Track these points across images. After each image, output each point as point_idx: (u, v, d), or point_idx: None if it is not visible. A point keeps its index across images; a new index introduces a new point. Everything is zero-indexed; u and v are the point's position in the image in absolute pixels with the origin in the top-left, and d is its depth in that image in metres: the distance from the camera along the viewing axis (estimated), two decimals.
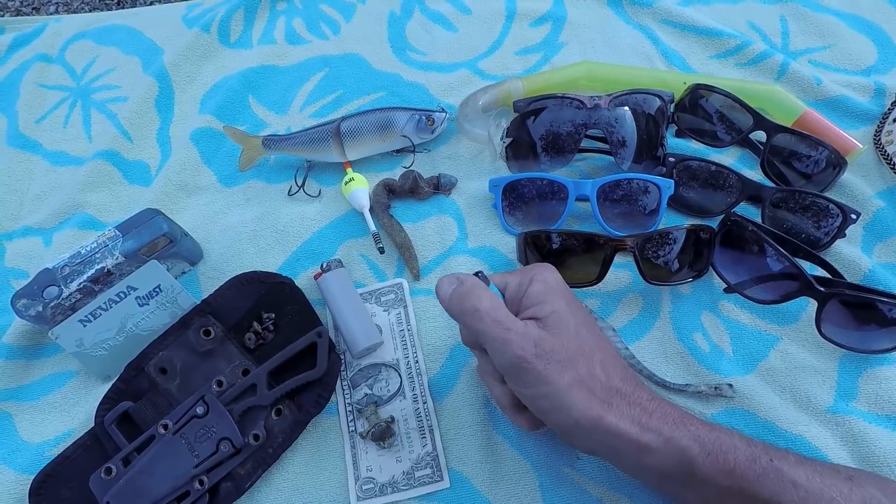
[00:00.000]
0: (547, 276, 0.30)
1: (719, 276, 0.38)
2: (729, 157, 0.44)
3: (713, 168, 0.41)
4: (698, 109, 0.44)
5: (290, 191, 0.45)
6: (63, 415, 0.38)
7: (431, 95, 0.48)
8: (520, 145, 0.43)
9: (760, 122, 0.41)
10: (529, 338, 0.27)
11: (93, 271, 0.37)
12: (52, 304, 0.37)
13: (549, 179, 0.40)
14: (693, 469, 0.26)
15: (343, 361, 0.38)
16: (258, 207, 0.44)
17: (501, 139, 0.43)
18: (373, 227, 0.41)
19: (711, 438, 0.26)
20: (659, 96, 0.43)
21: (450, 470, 0.34)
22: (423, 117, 0.44)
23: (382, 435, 0.35)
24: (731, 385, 0.35)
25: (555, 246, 0.38)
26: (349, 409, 0.36)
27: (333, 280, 0.38)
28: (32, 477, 0.35)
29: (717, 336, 0.37)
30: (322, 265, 0.39)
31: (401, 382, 0.37)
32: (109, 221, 0.45)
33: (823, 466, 0.26)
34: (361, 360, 0.38)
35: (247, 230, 0.43)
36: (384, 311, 0.39)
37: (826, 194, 0.39)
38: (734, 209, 0.40)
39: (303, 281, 0.40)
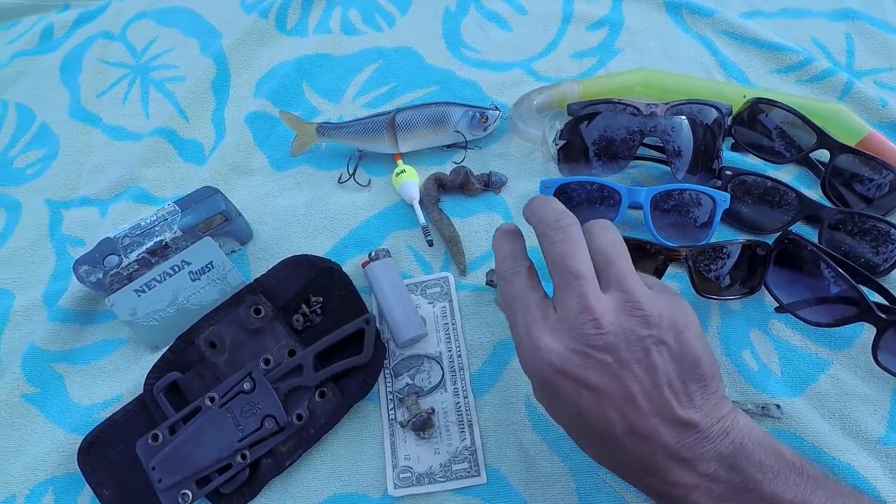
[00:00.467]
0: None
1: (772, 294, 0.37)
2: (785, 175, 0.43)
3: (770, 184, 0.40)
4: (757, 124, 0.43)
5: (340, 178, 0.45)
6: (112, 380, 0.39)
7: (484, 93, 0.48)
8: (572, 148, 0.43)
9: (825, 140, 0.40)
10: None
11: (151, 243, 0.38)
12: (112, 272, 0.38)
13: (603, 184, 0.40)
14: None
15: (387, 350, 0.38)
16: (308, 193, 0.45)
17: (554, 141, 0.43)
18: (422, 219, 0.41)
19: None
20: (717, 108, 0.43)
21: (487, 466, 0.34)
22: (478, 114, 0.44)
23: (423, 425, 0.35)
24: (779, 406, 0.34)
25: None
26: (390, 397, 0.37)
27: (381, 269, 0.39)
28: (80, 437, 0.36)
29: (765, 355, 0.36)
30: (370, 254, 0.40)
31: (443, 375, 0.37)
32: (163, 196, 0.46)
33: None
34: (405, 350, 0.38)
35: (296, 214, 0.44)
36: (429, 303, 0.39)
37: (888, 219, 0.38)
38: (789, 228, 0.39)
39: (350, 268, 0.41)
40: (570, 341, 0.24)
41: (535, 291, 0.27)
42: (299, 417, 0.35)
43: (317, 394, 0.36)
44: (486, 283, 0.39)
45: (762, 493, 0.24)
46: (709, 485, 0.24)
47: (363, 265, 0.40)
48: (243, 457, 0.35)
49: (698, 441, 0.24)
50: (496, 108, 0.45)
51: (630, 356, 0.24)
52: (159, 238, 0.38)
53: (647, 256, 0.36)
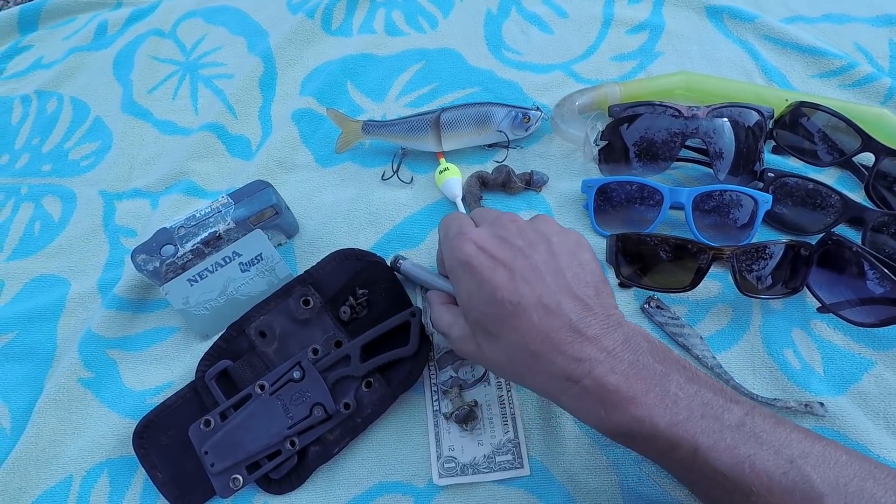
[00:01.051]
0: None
1: (814, 295, 0.37)
2: (827, 179, 0.43)
3: (812, 186, 0.40)
4: (799, 127, 0.43)
5: (383, 175, 0.46)
6: (163, 367, 0.41)
7: (525, 94, 0.49)
8: (613, 149, 0.44)
9: (869, 143, 0.40)
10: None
11: (206, 234, 0.40)
12: (168, 261, 0.39)
13: (644, 184, 0.41)
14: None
15: (432, 343, 0.39)
16: (352, 189, 0.46)
17: (595, 142, 0.43)
18: None
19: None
20: (758, 111, 0.43)
21: (530, 458, 0.35)
22: (520, 114, 0.45)
23: (466, 418, 0.36)
24: (822, 404, 0.34)
25: (647, 250, 0.38)
26: (434, 388, 0.38)
27: (412, 265, 0.40)
28: (133, 421, 0.37)
29: (807, 354, 0.36)
30: (393, 262, 0.40)
31: (486, 369, 0.38)
32: (212, 190, 0.48)
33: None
34: (447, 344, 0.39)
35: (341, 209, 0.45)
36: None
37: None
38: (833, 230, 0.40)
39: None
40: (490, 230, 0.30)
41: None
42: (347, 406, 0.36)
43: (363, 384, 0.37)
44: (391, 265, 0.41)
45: (656, 371, 0.26)
46: (610, 360, 0.26)
47: (394, 266, 0.40)
48: (292, 443, 0.36)
49: (596, 320, 0.27)
50: (538, 109, 0.46)
51: (537, 242, 0.29)
52: (213, 229, 0.40)
53: (690, 255, 0.37)
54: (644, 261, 0.39)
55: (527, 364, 0.28)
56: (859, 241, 0.39)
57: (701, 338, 0.37)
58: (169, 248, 0.39)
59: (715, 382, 0.27)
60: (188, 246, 0.39)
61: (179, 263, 0.40)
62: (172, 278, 0.40)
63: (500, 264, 0.28)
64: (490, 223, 0.31)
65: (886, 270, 0.34)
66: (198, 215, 0.40)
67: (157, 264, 0.39)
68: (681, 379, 0.26)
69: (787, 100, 0.44)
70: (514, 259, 0.29)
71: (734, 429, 0.25)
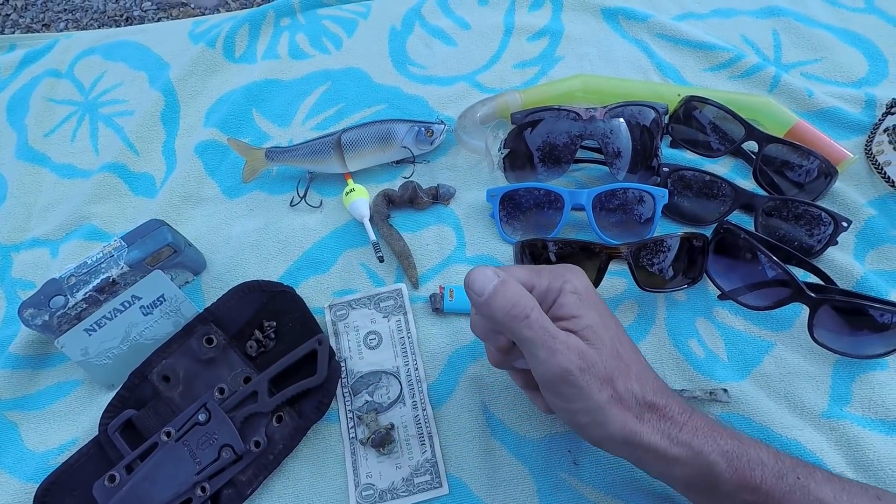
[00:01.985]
0: (577, 284, 0.28)
1: (713, 283, 0.38)
2: (722, 168, 0.45)
3: (706, 178, 0.41)
4: (692, 121, 0.45)
5: (292, 201, 0.46)
6: (67, 424, 0.39)
7: (431, 108, 0.49)
8: (517, 156, 0.44)
9: (751, 132, 0.42)
10: (574, 350, 0.26)
11: (98, 281, 0.38)
12: (59, 313, 0.37)
13: (546, 189, 0.41)
14: (718, 483, 0.26)
15: (344, 368, 0.38)
16: (261, 218, 0.45)
17: (499, 150, 0.44)
18: (373, 236, 0.41)
19: (739, 453, 0.26)
20: (653, 108, 0.44)
21: (449, 476, 0.34)
22: (423, 129, 0.45)
23: (382, 441, 0.35)
24: (726, 390, 0.35)
25: (551, 254, 0.39)
26: (350, 415, 0.37)
27: (459, 297, 0.39)
28: (37, 486, 0.35)
29: (711, 342, 0.37)
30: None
31: (401, 389, 0.37)
32: (115, 232, 0.46)
33: (851, 485, 0.27)
34: (362, 367, 0.38)
35: (249, 240, 0.44)
36: (384, 317, 0.40)
37: (818, 203, 0.39)
38: (727, 217, 0.41)
39: (304, 290, 0.41)
40: (607, 388, 0.26)
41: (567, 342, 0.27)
42: (257, 444, 0.35)
43: (274, 419, 0.36)
44: (434, 310, 0.39)
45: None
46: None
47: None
48: (203, 489, 0.34)
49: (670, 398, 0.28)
50: (441, 122, 0.46)
51: (622, 348, 0.28)
52: (106, 275, 0.38)
53: (590, 256, 0.37)
54: (549, 265, 0.39)
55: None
56: (752, 227, 0.40)
57: None
58: (59, 300, 0.38)
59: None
60: (80, 295, 0.38)
61: (73, 314, 0.38)
62: (67, 330, 0.38)
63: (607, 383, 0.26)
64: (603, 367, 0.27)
65: (770, 254, 0.35)
66: (89, 262, 0.39)
67: (47, 317, 0.37)
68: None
69: (679, 94, 0.45)
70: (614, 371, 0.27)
71: None
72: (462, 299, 0.39)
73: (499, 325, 0.27)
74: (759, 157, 0.42)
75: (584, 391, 0.26)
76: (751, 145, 0.43)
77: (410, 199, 0.43)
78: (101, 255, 0.39)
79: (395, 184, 0.45)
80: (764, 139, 0.41)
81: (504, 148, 0.44)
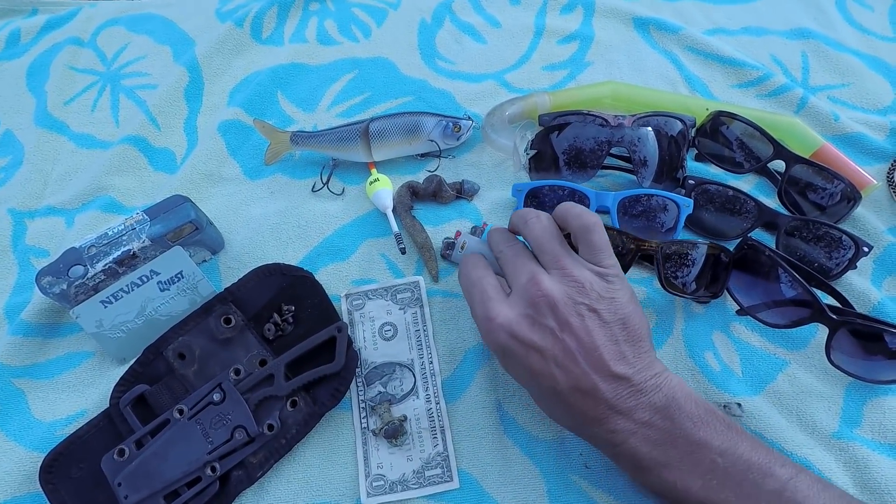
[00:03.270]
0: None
1: (733, 297, 0.38)
2: (746, 185, 0.45)
3: (731, 193, 0.42)
4: (719, 136, 0.45)
5: (314, 187, 0.45)
6: (76, 395, 0.38)
7: (458, 104, 0.49)
8: (543, 158, 0.44)
9: (780, 151, 0.42)
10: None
11: (119, 253, 0.38)
12: (77, 283, 0.37)
13: (572, 188, 0.41)
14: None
15: (359, 358, 0.38)
16: (282, 201, 0.45)
17: (525, 151, 0.44)
18: (395, 227, 0.41)
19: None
20: (681, 120, 0.44)
21: (459, 471, 0.35)
22: (450, 124, 0.45)
23: (395, 433, 0.35)
24: (740, 404, 0.35)
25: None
26: (362, 405, 0.37)
27: (470, 249, 0.39)
28: (43, 455, 0.35)
29: (727, 356, 0.37)
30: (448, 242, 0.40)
31: (414, 382, 0.37)
32: (133, 206, 0.46)
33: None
34: (376, 358, 0.38)
35: (269, 223, 0.44)
36: (400, 309, 0.40)
37: (840, 226, 0.40)
38: (749, 234, 0.41)
39: (322, 276, 0.41)
40: (519, 307, 0.30)
41: (491, 275, 0.32)
42: (270, 428, 0.35)
43: (288, 403, 0.36)
44: (441, 255, 0.41)
45: (692, 439, 0.27)
46: (645, 431, 0.28)
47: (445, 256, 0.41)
48: (213, 469, 0.34)
49: (632, 394, 0.28)
50: (469, 119, 0.46)
51: (568, 318, 0.29)
52: (127, 248, 0.38)
53: (620, 247, 0.37)
54: None
55: (569, 423, 0.31)
56: (774, 245, 0.41)
57: None
58: (78, 269, 0.37)
59: (760, 445, 0.28)
60: (99, 266, 0.37)
61: (91, 285, 0.38)
62: (84, 300, 0.37)
63: (532, 349, 0.29)
64: (518, 296, 0.30)
65: (795, 273, 0.35)
66: (110, 233, 0.38)
67: (65, 286, 0.37)
68: (721, 444, 0.27)
69: (707, 109, 0.45)
70: (545, 343, 0.29)
71: (773, 494, 0.26)
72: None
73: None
74: (785, 177, 0.42)
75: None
76: (776, 165, 0.43)
77: (434, 193, 0.43)
78: (122, 227, 0.38)
79: (418, 177, 0.45)
80: (792, 159, 0.41)
81: (531, 149, 0.44)
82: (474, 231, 0.40)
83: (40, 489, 0.34)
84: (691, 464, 0.27)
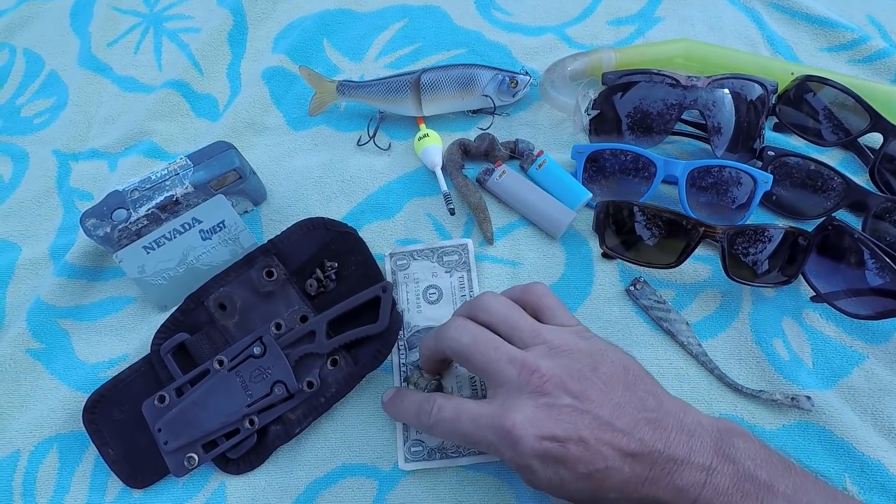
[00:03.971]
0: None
1: (809, 283, 0.35)
2: (830, 160, 0.41)
3: (814, 167, 0.38)
4: (804, 104, 0.41)
5: (359, 141, 0.43)
6: (118, 339, 0.38)
7: (514, 58, 0.46)
8: (605, 119, 0.41)
9: (878, 122, 0.38)
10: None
11: (162, 198, 0.37)
12: (120, 226, 0.36)
13: (638, 153, 0.38)
14: None
15: (402, 321, 0.37)
16: (325, 154, 0.43)
17: (587, 111, 0.40)
18: (444, 186, 0.39)
19: None
20: (762, 84, 0.40)
21: None
22: (507, 78, 0.41)
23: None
24: (809, 398, 0.33)
25: (636, 221, 0.36)
26: (403, 369, 0.36)
27: (508, 180, 0.38)
28: (85, 395, 0.35)
29: (797, 345, 0.35)
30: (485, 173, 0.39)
31: None
32: (175, 152, 0.45)
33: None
34: (419, 322, 0.37)
35: (312, 176, 0.42)
36: (446, 272, 0.38)
37: None
38: (833, 214, 0.37)
39: (366, 234, 0.39)
40: (527, 403, 0.25)
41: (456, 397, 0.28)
42: (310, 385, 0.34)
43: (329, 362, 0.35)
44: (477, 179, 0.40)
45: (759, 481, 0.24)
46: (713, 480, 0.24)
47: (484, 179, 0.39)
48: (251, 422, 0.34)
49: (679, 434, 0.25)
50: (527, 74, 0.42)
51: (581, 388, 0.26)
52: (170, 193, 0.37)
53: (680, 231, 0.35)
54: (632, 233, 0.37)
55: None
56: (859, 228, 0.37)
57: (687, 323, 0.35)
58: (121, 213, 0.36)
59: (822, 483, 0.25)
60: (142, 210, 0.36)
61: (133, 229, 0.37)
62: (126, 245, 0.37)
63: (568, 441, 0.25)
64: (521, 391, 0.26)
65: (888, 260, 0.32)
66: (153, 178, 0.37)
67: (108, 230, 0.36)
68: (787, 484, 0.24)
69: (792, 73, 0.41)
70: (577, 426, 0.25)
71: None
72: (509, 187, 0.37)
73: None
74: (881, 153, 0.38)
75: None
76: (867, 140, 0.39)
77: (486, 152, 0.41)
78: (165, 171, 0.37)
79: (469, 135, 0.43)
80: (892, 132, 0.37)
81: (593, 109, 0.40)
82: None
83: (83, 428, 0.34)
84: None
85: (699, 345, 0.35)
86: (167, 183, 0.37)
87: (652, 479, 0.24)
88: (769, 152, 0.39)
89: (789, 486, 0.24)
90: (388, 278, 0.38)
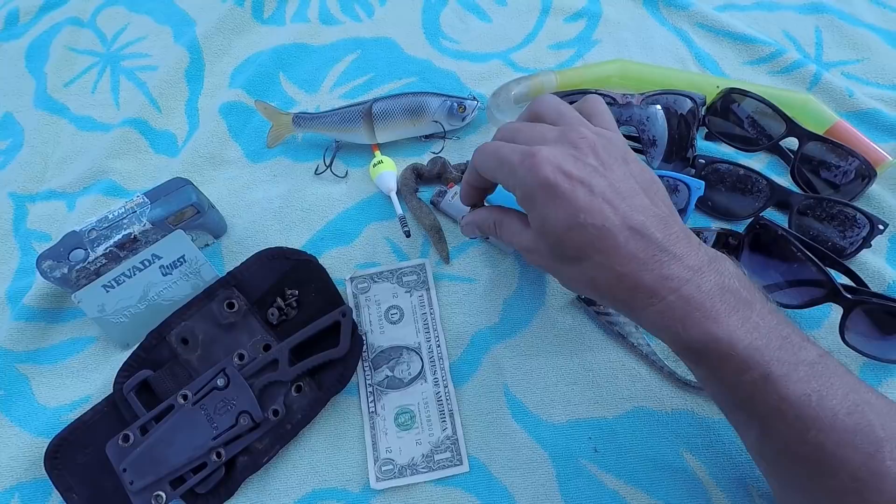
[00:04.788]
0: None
1: None
2: (757, 163, 0.44)
3: (742, 172, 0.41)
4: (730, 113, 0.44)
5: (317, 170, 0.45)
6: (80, 380, 0.38)
7: (462, 84, 0.48)
8: None
9: (794, 129, 0.41)
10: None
11: (119, 236, 0.37)
12: (78, 267, 0.36)
13: None
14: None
15: (364, 343, 0.38)
16: (284, 185, 0.44)
17: None
18: (399, 210, 0.41)
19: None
20: (691, 98, 0.43)
21: (468, 455, 0.34)
22: (455, 104, 0.44)
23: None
24: None
25: None
26: (370, 390, 0.37)
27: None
28: (47, 440, 0.35)
29: None
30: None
31: (422, 366, 0.37)
32: (134, 189, 0.45)
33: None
34: (383, 342, 0.38)
35: (272, 206, 0.43)
36: (406, 292, 0.39)
37: (854, 204, 0.39)
38: (761, 214, 0.40)
39: (326, 260, 0.40)
40: (562, 147, 0.27)
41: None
42: (275, 413, 0.34)
43: (293, 388, 0.35)
44: (431, 201, 0.41)
45: (741, 296, 0.25)
46: (698, 279, 0.25)
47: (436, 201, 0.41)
48: (218, 455, 0.34)
49: (681, 239, 0.26)
50: (474, 99, 0.45)
51: (610, 158, 0.27)
52: (128, 231, 0.37)
53: None
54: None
55: (609, 282, 0.26)
56: (787, 225, 0.40)
57: (636, 326, 0.37)
58: (78, 253, 0.37)
59: (791, 322, 0.26)
60: (100, 250, 0.37)
61: (92, 269, 0.37)
62: (85, 285, 0.37)
63: (579, 183, 0.26)
64: (557, 140, 0.28)
65: (808, 253, 0.35)
66: (110, 217, 0.38)
67: (66, 270, 0.36)
68: (763, 309, 0.26)
69: (718, 87, 0.44)
70: (592, 178, 0.26)
71: (808, 365, 0.24)
72: (462, 206, 0.38)
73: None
74: (798, 155, 0.41)
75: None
76: (788, 143, 0.42)
77: (439, 175, 0.42)
78: (123, 210, 0.38)
79: (423, 159, 0.44)
80: (805, 136, 0.40)
81: None
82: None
83: (46, 475, 0.34)
84: (738, 320, 0.25)
85: (648, 345, 0.37)
86: (125, 221, 0.37)
87: (641, 261, 0.25)
88: (701, 160, 0.41)
89: (766, 308, 0.26)
90: (350, 302, 0.39)
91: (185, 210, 0.38)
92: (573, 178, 0.26)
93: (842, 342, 0.35)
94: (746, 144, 0.43)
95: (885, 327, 0.34)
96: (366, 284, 0.40)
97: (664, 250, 0.26)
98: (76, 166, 0.46)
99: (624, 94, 0.43)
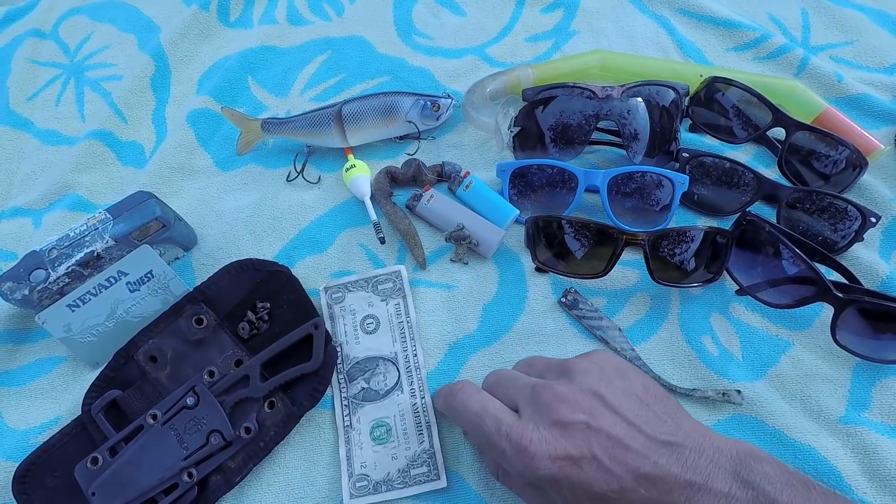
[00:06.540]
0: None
1: (732, 277, 0.36)
2: (744, 155, 0.42)
3: (728, 165, 0.39)
4: (714, 104, 0.42)
5: (288, 176, 0.43)
6: (49, 402, 0.37)
7: (437, 81, 0.47)
8: (528, 135, 0.42)
9: (780, 118, 0.39)
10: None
11: (82, 255, 0.36)
12: (39, 287, 0.35)
13: (560, 167, 0.39)
14: None
15: (339, 354, 0.36)
16: (255, 193, 0.43)
17: (509, 128, 0.41)
18: (374, 216, 0.39)
19: None
20: (673, 88, 0.41)
21: (446, 470, 0.33)
22: (429, 103, 0.42)
23: (460, 237, 0.37)
24: (739, 391, 0.33)
25: (564, 234, 0.37)
26: (345, 403, 0.35)
27: (437, 204, 0.39)
28: (15, 464, 0.34)
29: (726, 340, 0.35)
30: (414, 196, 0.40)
31: (398, 376, 0.36)
32: (102, 203, 0.44)
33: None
34: (358, 353, 0.37)
35: (243, 216, 0.42)
36: (382, 300, 0.38)
37: (845, 195, 0.37)
38: (748, 209, 0.39)
39: (300, 270, 0.39)
40: (541, 420, 0.26)
41: (491, 398, 0.28)
42: (248, 430, 0.33)
43: (266, 405, 0.34)
44: (406, 205, 0.40)
45: None
46: None
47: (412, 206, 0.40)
48: (190, 475, 0.33)
49: (696, 459, 0.24)
50: (448, 97, 0.43)
51: (592, 403, 0.26)
52: (90, 249, 0.36)
53: (605, 240, 0.36)
54: (561, 245, 0.37)
55: None
56: (774, 219, 0.38)
57: (619, 329, 0.36)
58: (39, 273, 0.35)
59: (840, 497, 0.25)
60: (62, 269, 0.36)
61: (55, 289, 0.36)
62: (49, 305, 0.36)
63: (581, 459, 0.24)
64: (530, 404, 0.26)
65: (797, 249, 0.33)
66: (71, 235, 0.36)
67: (27, 292, 0.35)
68: None
69: (701, 75, 0.43)
70: (588, 443, 0.25)
71: None
72: (438, 210, 0.38)
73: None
74: (785, 145, 0.39)
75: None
76: (775, 133, 0.41)
77: (414, 177, 0.41)
78: (84, 227, 0.36)
79: (398, 161, 0.43)
80: (793, 126, 0.39)
81: (514, 126, 0.41)
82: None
83: (13, 500, 0.33)
84: None
85: (633, 349, 0.35)
86: (87, 239, 0.36)
87: None
88: (684, 154, 0.40)
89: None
90: (325, 313, 0.38)
91: (149, 224, 0.37)
92: (572, 459, 0.25)
93: (833, 342, 0.33)
94: (731, 136, 0.42)
95: (879, 326, 0.33)
96: (340, 294, 0.38)
97: (687, 484, 0.24)
98: (41, 182, 0.45)
99: (604, 87, 0.42)
